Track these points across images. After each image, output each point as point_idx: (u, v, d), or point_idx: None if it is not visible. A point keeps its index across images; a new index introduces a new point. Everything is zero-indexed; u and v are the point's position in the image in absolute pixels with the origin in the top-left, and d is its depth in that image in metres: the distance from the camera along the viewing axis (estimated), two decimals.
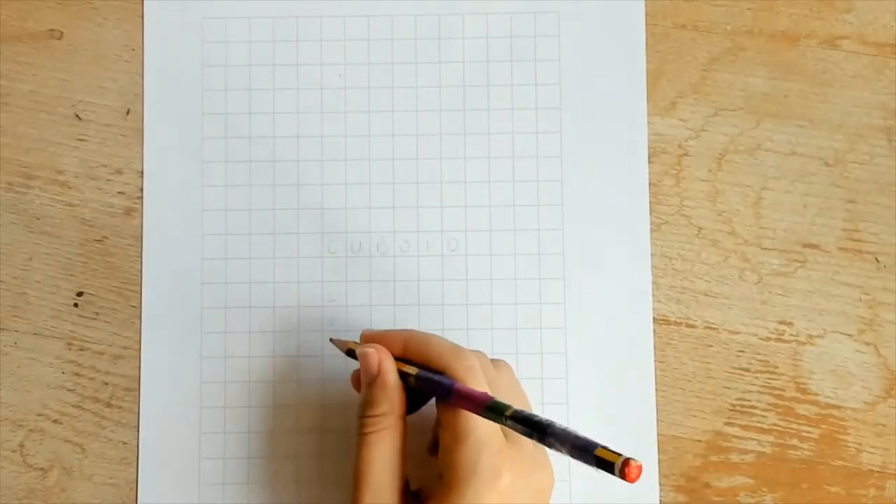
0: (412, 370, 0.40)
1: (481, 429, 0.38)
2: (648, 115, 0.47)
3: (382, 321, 0.46)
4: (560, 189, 0.46)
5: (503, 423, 0.36)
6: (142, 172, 0.47)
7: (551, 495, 0.40)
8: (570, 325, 0.46)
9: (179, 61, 0.47)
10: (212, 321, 0.46)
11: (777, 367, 0.46)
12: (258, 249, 0.46)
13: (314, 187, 0.47)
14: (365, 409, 0.40)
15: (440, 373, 0.39)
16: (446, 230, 0.46)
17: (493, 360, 0.42)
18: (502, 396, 0.38)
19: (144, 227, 0.46)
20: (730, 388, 0.46)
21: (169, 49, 0.47)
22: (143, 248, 0.46)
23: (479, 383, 0.38)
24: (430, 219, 0.46)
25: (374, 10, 0.47)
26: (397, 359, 0.41)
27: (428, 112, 0.47)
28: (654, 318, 0.46)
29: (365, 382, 0.41)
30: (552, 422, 0.35)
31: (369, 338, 0.42)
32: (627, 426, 0.45)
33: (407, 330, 0.42)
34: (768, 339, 0.46)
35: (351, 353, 0.43)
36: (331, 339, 0.45)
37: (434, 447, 0.42)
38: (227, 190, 0.47)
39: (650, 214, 0.46)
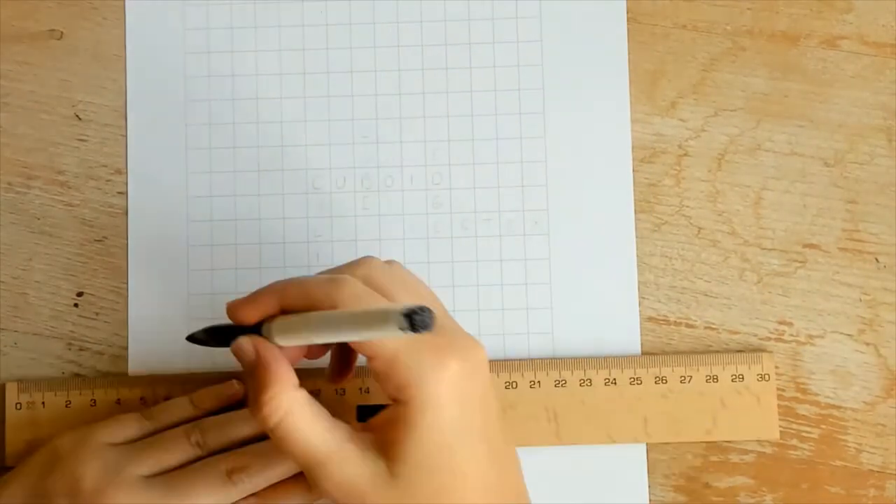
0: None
1: (406, 339, 0.35)
2: (648, 115, 0.47)
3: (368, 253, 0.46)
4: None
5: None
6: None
7: (487, 363, 0.37)
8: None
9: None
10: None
11: (777, 367, 0.46)
12: (243, 186, 0.47)
13: (297, 124, 0.47)
14: (259, 398, 0.35)
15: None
16: (430, 164, 0.47)
17: (386, 261, 0.39)
18: (398, 295, 0.37)
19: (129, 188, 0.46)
20: None
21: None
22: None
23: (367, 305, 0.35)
24: (414, 153, 0.47)
25: None
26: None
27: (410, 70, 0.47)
28: (654, 318, 0.46)
29: (248, 374, 0.37)
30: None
31: (235, 310, 0.38)
32: None
33: (272, 284, 0.38)
34: (768, 339, 0.46)
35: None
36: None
37: (335, 374, 0.41)
38: (211, 132, 0.47)
39: (651, 215, 0.46)
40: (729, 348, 0.46)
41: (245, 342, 0.37)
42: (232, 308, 0.38)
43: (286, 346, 0.37)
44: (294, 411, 0.35)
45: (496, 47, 0.47)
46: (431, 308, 0.31)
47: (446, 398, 0.35)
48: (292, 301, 0.37)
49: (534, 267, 0.46)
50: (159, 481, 0.40)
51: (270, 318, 0.37)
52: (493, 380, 0.39)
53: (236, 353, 0.37)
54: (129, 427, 0.42)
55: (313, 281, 0.37)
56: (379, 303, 0.36)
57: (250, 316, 0.37)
